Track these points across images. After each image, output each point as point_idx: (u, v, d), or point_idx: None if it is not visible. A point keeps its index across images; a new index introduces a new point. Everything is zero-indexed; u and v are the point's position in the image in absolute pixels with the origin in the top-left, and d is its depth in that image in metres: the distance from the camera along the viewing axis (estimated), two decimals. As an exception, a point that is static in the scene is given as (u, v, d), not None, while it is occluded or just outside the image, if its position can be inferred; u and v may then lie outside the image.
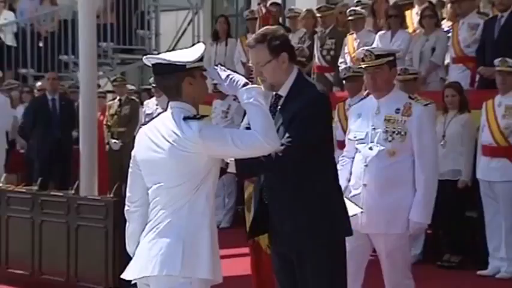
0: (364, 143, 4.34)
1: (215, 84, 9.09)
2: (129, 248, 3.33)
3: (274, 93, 3.55)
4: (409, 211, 4.25)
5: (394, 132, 4.27)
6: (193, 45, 3.38)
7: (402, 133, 4.27)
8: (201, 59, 3.23)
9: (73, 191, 6.38)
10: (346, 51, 8.41)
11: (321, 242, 3.44)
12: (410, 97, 4.40)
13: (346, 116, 6.34)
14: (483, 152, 6.50)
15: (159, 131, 3.19)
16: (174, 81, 3.17)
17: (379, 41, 7.99)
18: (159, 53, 3.35)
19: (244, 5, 14.24)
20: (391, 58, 4.40)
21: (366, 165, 4.29)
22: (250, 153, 3.16)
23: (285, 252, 3.54)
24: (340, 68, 8.11)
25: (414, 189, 4.27)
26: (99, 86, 11.25)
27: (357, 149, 4.39)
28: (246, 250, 5.20)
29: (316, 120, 3.40)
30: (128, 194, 3.35)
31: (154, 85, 9.51)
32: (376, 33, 8.18)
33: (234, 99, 8.45)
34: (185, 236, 3.10)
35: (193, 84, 3.19)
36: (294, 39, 8.81)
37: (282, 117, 3.44)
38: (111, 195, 5.97)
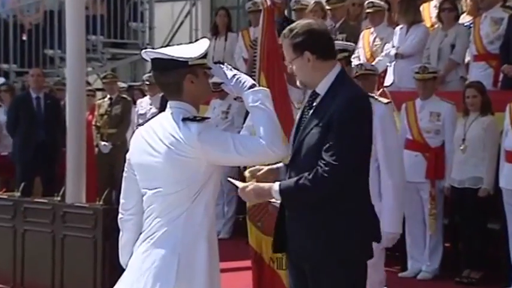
0: None
1: (215, 84, 9.14)
2: (122, 259, 3.34)
3: (314, 90, 3.54)
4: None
5: None
6: (192, 41, 3.39)
7: None
8: (204, 56, 3.23)
9: (59, 198, 6.38)
10: (360, 45, 8.41)
11: (340, 262, 3.41)
12: (370, 96, 4.37)
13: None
14: (507, 158, 6.50)
15: (155, 132, 3.19)
16: (174, 78, 3.17)
17: (396, 37, 8.02)
18: (153, 48, 3.36)
19: (246, -5, 14.27)
20: (346, 54, 4.46)
21: None
22: (253, 161, 3.17)
23: (300, 267, 3.52)
24: (352, 65, 8.12)
25: (379, 197, 4.28)
26: (87, 83, 11.26)
27: None
28: (247, 263, 5.21)
29: (358, 126, 3.35)
30: (121, 201, 3.35)
31: (147, 82, 9.54)
32: (394, 28, 8.20)
33: (235, 99, 8.47)
34: (181, 248, 3.11)
35: (195, 82, 3.20)
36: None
37: (317, 117, 3.42)
38: (101, 203, 5.98)
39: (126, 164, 3.31)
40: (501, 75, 7.50)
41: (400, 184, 4.36)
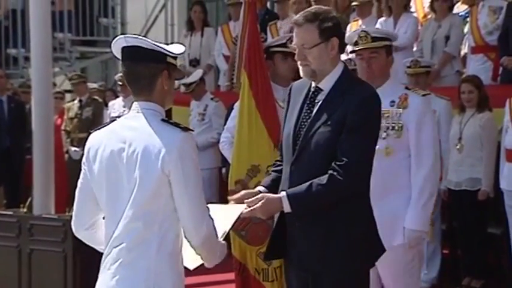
0: None
1: (186, 84, 9.10)
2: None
3: (311, 85, 3.58)
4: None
5: (388, 127, 4.34)
6: (167, 37, 3.35)
7: (397, 128, 4.35)
8: (177, 58, 3.19)
9: (25, 209, 6.34)
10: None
11: (343, 269, 3.49)
12: (407, 87, 4.49)
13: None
14: (507, 157, 6.51)
15: (125, 139, 3.08)
16: (150, 71, 3.10)
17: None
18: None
19: (225, -13, 14.26)
20: (388, 43, 4.47)
21: None
22: (189, 211, 3.06)
23: (301, 275, 3.57)
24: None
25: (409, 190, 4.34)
26: (54, 84, 11.21)
27: None
28: (231, 276, 5.19)
29: (372, 129, 3.49)
30: (75, 215, 3.28)
31: (120, 83, 9.51)
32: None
33: (212, 99, 8.46)
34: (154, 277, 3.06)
35: (168, 82, 3.15)
36: (283, 27, 8.82)
37: (325, 115, 3.47)
38: (71, 213, 5.92)
39: (82, 174, 3.22)
40: (500, 69, 7.52)
41: (432, 179, 4.38)
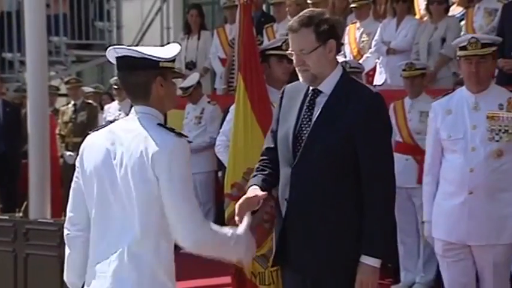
0: (462, 143, 4.55)
1: (183, 88, 9.10)
2: (67, 279, 3.30)
3: (309, 88, 3.59)
4: None
5: (500, 130, 4.52)
6: (163, 41, 3.37)
7: (510, 131, 4.53)
8: (173, 61, 3.20)
9: (21, 214, 6.34)
10: (346, 41, 8.43)
11: (346, 274, 3.51)
12: (511, 91, 4.70)
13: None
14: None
15: (120, 141, 3.11)
16: (143, 79, 3.13)
17: (383, 31, 8.05)
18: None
19: (221, -10, 14.28)
20: (495, 48, 4.67)
21: (471, 170, 4.49)
22: (178, 214, 3.05)
23: (300, 280, 3.58)
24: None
25: None
26: (56, 88, 11.22)
27: (450, 150, 4.61)
28: (227, 280, 5.20)
29: (385, 124, 3.57)
30: (68, 215, 3.28)
31: (116, 86, 9.52)
32: (381, 21, 8.23)
33: (208, 102, 8.48)
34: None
35: (164, 86, 3.16)
36: (280, 30, 8.84)
37: (329, 119, 3.50)
38: (67, 218, 5.94)
39: (75, 173, 3.24)
40: (496, 71, 7.54)
41: None
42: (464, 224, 4.55)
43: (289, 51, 3.64)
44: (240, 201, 3.50)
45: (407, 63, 6.86)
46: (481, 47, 4.60)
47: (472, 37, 4.72)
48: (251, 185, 3.62)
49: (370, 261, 3.44)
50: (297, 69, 3.59)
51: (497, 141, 4.52)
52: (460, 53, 4.70)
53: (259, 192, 3.52)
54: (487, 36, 5.50)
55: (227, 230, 3.19)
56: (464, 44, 4.65)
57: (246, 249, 3.21)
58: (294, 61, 3.57)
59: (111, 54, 3.20)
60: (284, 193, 3.57)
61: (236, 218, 3.45)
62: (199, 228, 3.07)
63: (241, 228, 3.27)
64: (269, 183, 3.63)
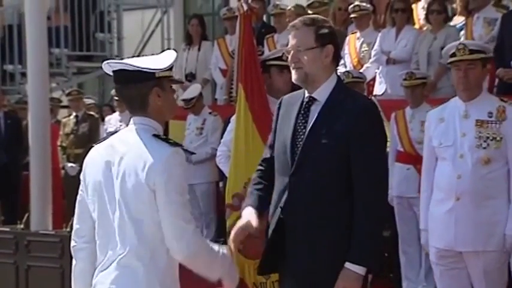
0: (451, 150, 4.57)
1: (186, 100, 9.12)
2: None
3: (305, 94, 3.60)
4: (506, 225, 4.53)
5: (488, 138, 4.53)
6: (162, 51, 3.38)
7: (497, 138, 4.54)
8: (171, 68, 3.21)
9: (22, 226, 6.35)
10: (346, 51, 8.44)
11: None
12: (502, 99, 4.70)
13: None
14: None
15: (118, 154, 3.12)
16: (140, 91, 3.14)
17: (382, 40, 8.06)
18: (122, 59, 3.35)
19: (221, 1, 14.30)
20: (484, 55, 4.67)
21: (459, 177, 4.51)
22: (173, 229, 3.06)
23: (299, 284, 3.58)
24: (337, 72, 8.15)
25: (509, 200, 4.55)
26: (58, 100, 11.23)
27: (441, 157, 4.63)
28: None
29: (381, 136, 3.59)
30: (75, 227, 3.31)
31: (116, 98, 9.53)
32: (380, 31, 8.25)
33: (210, 113, 8.49)
34: None
35: (162, 96, 3.17)
36: (281, 40, 8.85)
37: (324, 127, 3.51)
38: (68, 229, 5.95)
39: (80, 186, 3.26)
40: (496, 80, 7.55)
41: None
42: (451, 230, 4.57)
43: (287, 48, 3.66)
44: (236, 230, 3.56)
45: (408, 73, 6.86)
46: (469, 52, 4.62)
47: (460, 43, 4.75)
48: (247, 205, 3.66)
49: (355, 268, 3.44)
50: (290, 67, 3.61)
51: (484, 148, 4.54)
52: (449, 59, 4.74)
53: (254, 223, 3.57)
54: (476, 43, 5.52)
55: (216, 246, 3.22)
56: (453, 50, 4.68)
57: (229, 266, 3.23)
58: (289, 58, 3.60)
59: (107, 68, 3.21)
60: (279, 201, 3.58)
61: (231, 246, 3.50)
62: (193, 241, 3.08)
63: (227, 248, 3.30)
64: (264, 203, 3.65)
